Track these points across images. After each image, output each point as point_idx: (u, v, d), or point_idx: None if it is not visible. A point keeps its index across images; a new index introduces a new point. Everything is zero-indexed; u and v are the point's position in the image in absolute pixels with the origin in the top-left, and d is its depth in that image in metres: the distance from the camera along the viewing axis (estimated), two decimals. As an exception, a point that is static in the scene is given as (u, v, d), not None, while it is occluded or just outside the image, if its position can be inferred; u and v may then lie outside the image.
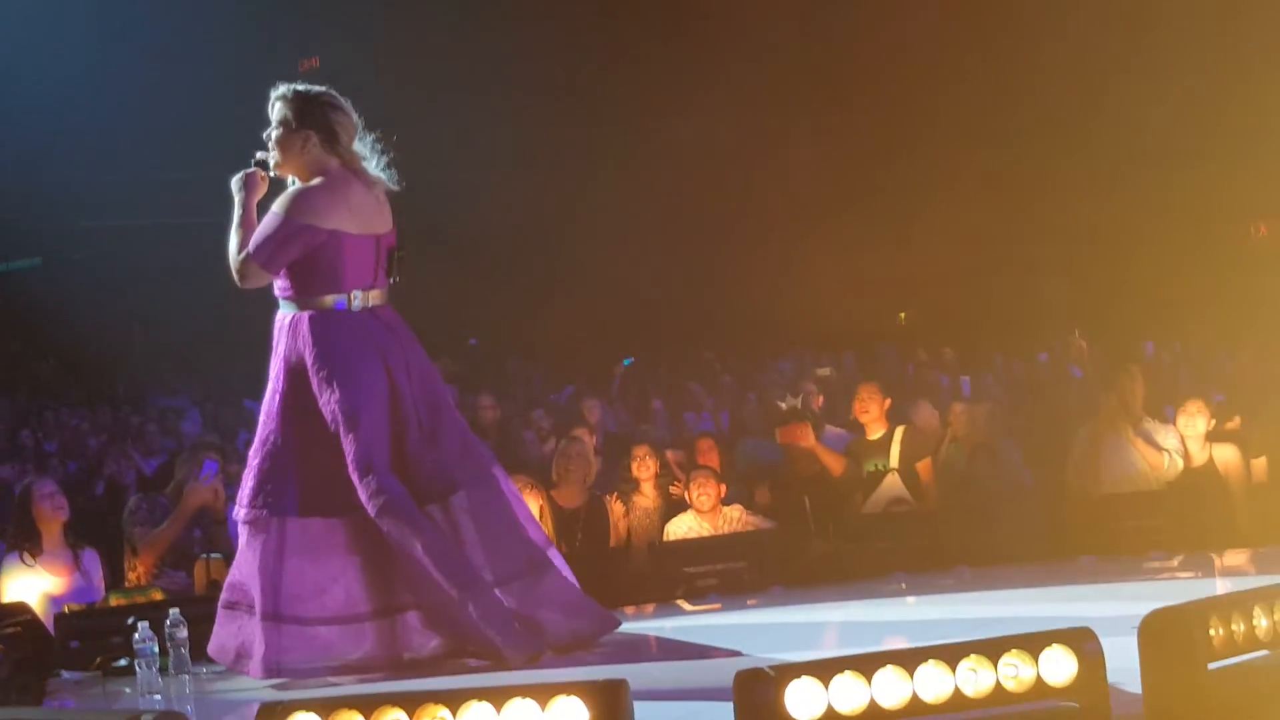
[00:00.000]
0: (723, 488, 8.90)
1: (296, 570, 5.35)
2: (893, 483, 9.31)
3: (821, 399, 11.56)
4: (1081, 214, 20.79)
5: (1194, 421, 9.00)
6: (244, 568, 5.44)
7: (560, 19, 23.24)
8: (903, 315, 23.87)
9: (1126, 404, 9.02)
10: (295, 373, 5.36)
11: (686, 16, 21.98)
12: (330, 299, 5.36)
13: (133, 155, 25.00)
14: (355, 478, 5.24)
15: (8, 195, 22.85)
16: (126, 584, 7.75)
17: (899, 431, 9.48)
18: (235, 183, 5.57)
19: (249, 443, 5.40)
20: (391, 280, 5.49)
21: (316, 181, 5.42)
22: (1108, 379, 9.63)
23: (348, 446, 5.24)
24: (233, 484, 10.35)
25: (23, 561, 7.63)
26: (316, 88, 5.52)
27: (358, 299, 5.39)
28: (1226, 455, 8.93)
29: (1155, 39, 19.51)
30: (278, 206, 5.37)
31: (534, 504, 8.72)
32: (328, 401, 5.29)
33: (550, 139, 23.36)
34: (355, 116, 5.50)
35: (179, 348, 22.36)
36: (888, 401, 9.69)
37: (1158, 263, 19.56)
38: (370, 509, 5.23)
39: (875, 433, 9.55)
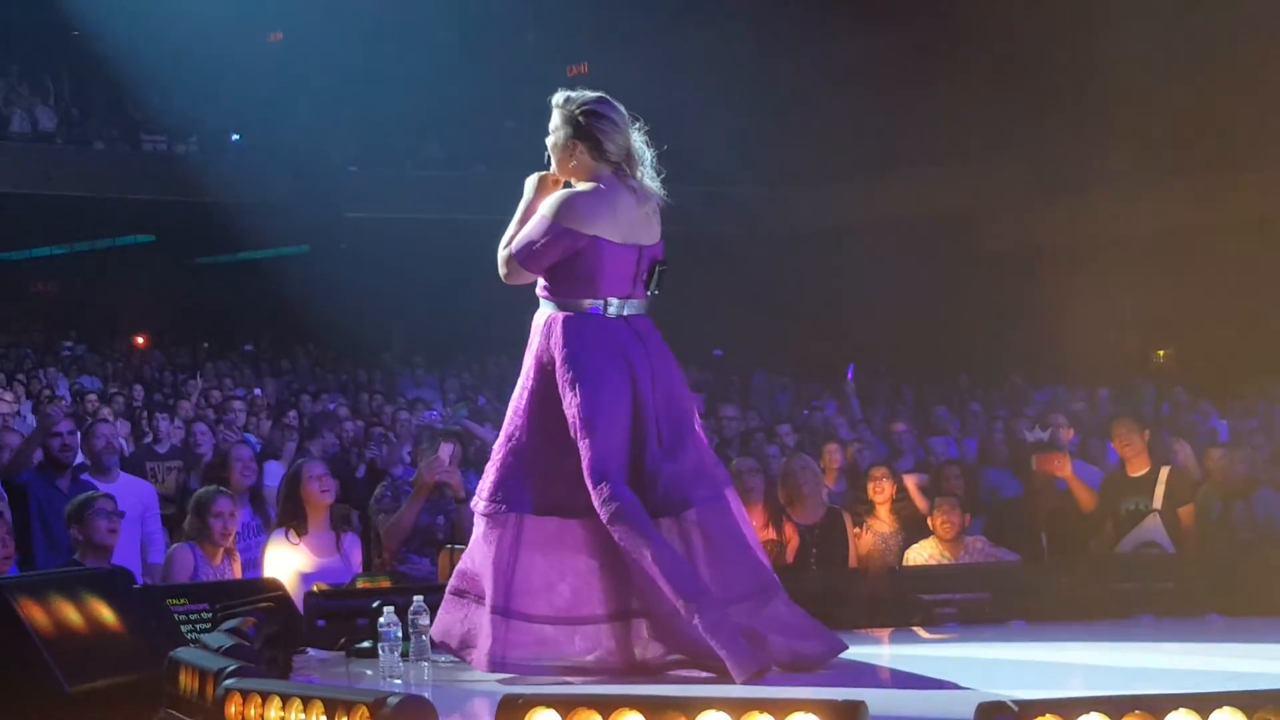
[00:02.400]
0: (967, 517, 8.76)
1: (528, 566, 5.39)
2: (1153, 524, 9.04)
3: (1071, 433, 11.32)
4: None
5: None
6: (476, 558, 5.50)
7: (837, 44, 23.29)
8: (1161, 353, 23.32)
9: None
10: (545, 372, 5.42)
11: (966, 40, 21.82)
12: (586, 303, 5.39)
13: (400, 151, 25.70)
14: (589, 483, 5.26)
15: (280, 184, 23.65)
16: (374, 568, 7.95)
17: (1164, 471, 9.17)
18: (530, 181, 5.69)
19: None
20: (650, 292, 5.52)
21: (585, 187, 5.48)
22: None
23: (583, 451, 5.26)
24: (472, 467, 10.60)
25: (287, 539, 7.88)
26: (587, 94, 5.57)
27: (614, 306, 5.41)
28: None
29: None
30: (544, 208, 5.45)
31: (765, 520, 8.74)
32: (569, 405, 5.32)
33: (816, 156, 23.35)
34: (626, 123, 5.52)
35: (433, 339, 22.84)
36: (1147, 435, 9.42)
37: None
38: (602, 515, 5.25)
39: (1138, 470, 9.26)
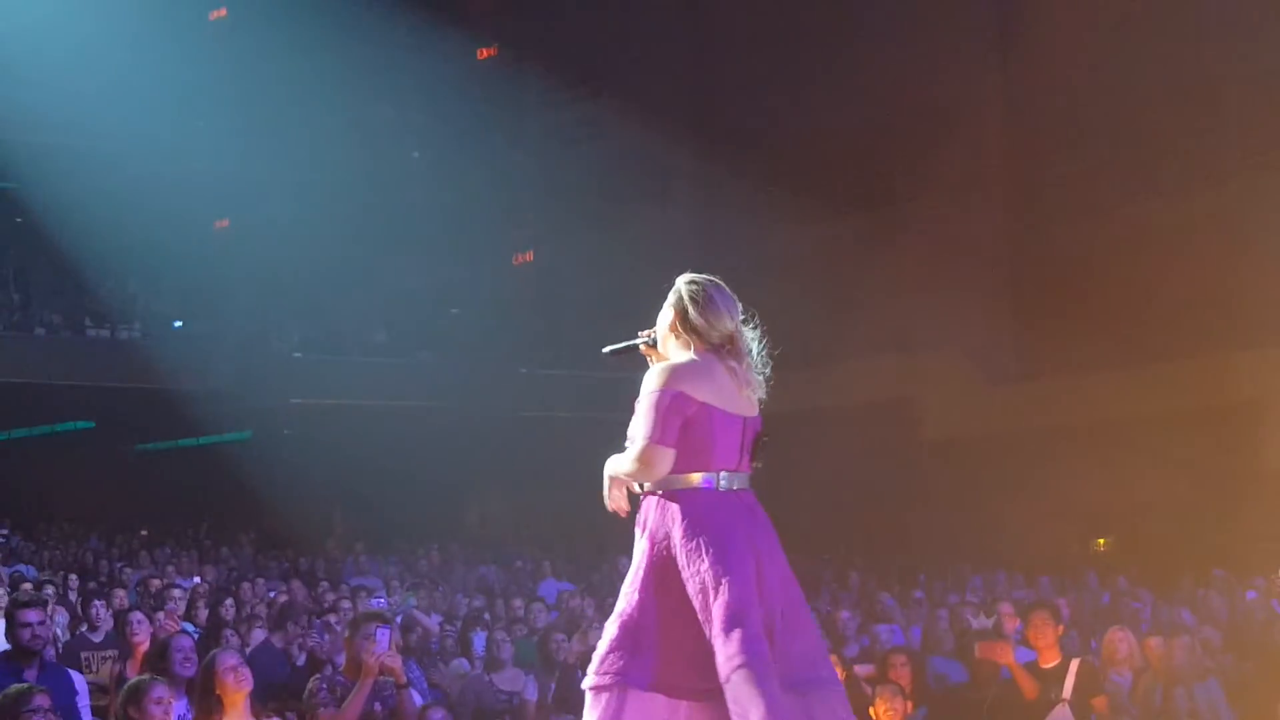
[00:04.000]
0: (909, 704, 8.69)
1: None
2: (1061, 714, 9.03)
3: (1016, 620, 11.31)
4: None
5: None
6: None
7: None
8: (1101, 541, 23.43)
9: None
10: (660, 548, 5.33)
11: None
12: (698, 477, 5.30)
13: (345, 337, 25.79)
14: (720, 637, 5.07)
15: (223, 370, 23.65)
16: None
17: (1074, 664, 9.19)
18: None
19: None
20: (755, 465, 5.44)
21: (683, 357, 5.44)
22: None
23: (718, 609, 5.10)
24: (411, 654, 10.47)
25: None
26: (702, 278, 5.56)
27: (724, 479, 5.32)
28: None
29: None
30: (647, 385, 5.37)
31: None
32: (696, 571, 5.19)
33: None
34: (733, 311, 5.48)
35: (376, 527, 22.71)
36: (1060, 629, 9.47)
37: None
38: (724, 670, 5.04)
39: (1049, 661, 9.30)
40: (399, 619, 11.58)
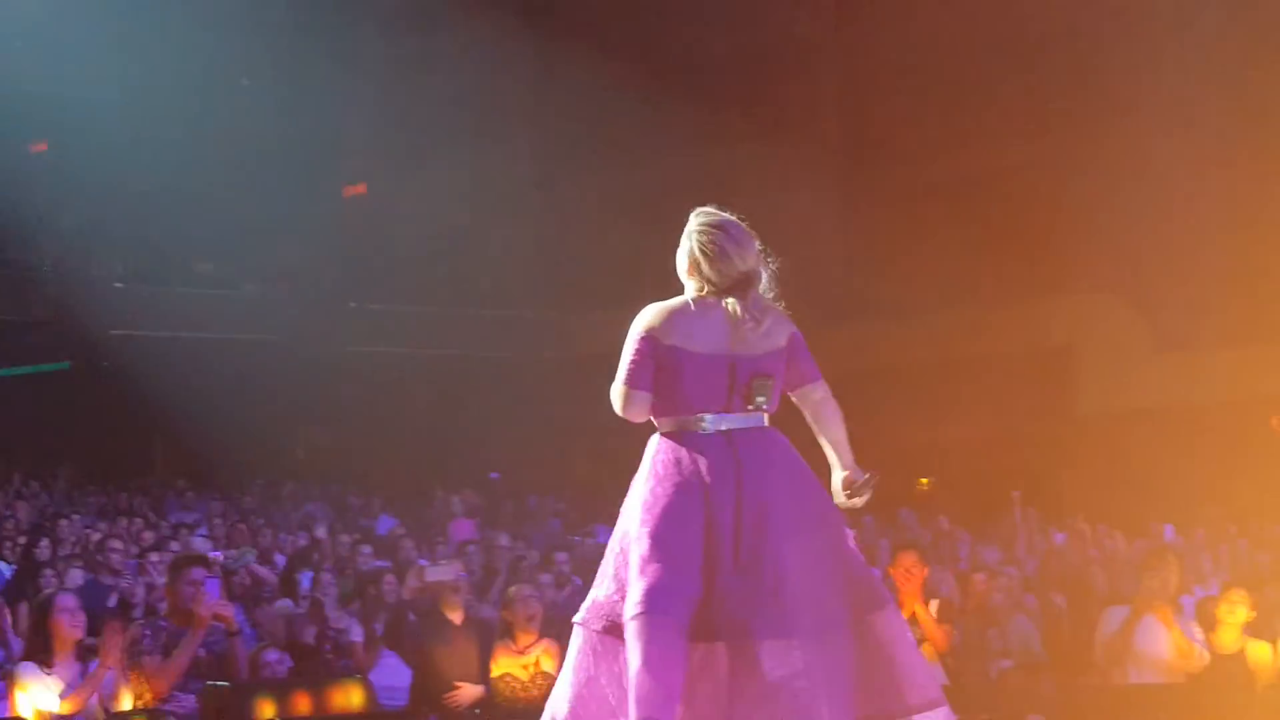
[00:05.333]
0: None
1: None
2: (928, 654, 9.14)
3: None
4: (1107, 400, 21.08)
5: (1235, 610, 8.79)
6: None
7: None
8: (924, 481, 23.86)
9: (1166, 589, 8.74)
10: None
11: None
12: (676, 420, 5.28)
13: (170, 268, 25.30)
14: (631, 584, 5.14)
15: (43, 298, 23.07)
16: (135, 706, 7.67)
17: (934, 605, 9.21)
18: None
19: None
20: (752, 406, 5.29)
21: (673, 300, 5.37)
22: (1143, 561, 9.34)
23: (634, 556, 5.18)
24: (238, 600, 10.36)
25: (40, 671, 7.58)
26: (713, 215, 5.43)
27: (709, 421, 5.26)
28: (1259, 650, 8.75)
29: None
30: (631, 328, 5.36)
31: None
32: (628, 511, 5.28)
33: (598, 281, 23.54)
34: (740, 247, 5.36)
35: (198, 463, 22.40)
36: (925, 571, 9.34)
37: (1176, 448, 19.65)
38: (626, 614, 5.11)
39: (907, 608, 9.24)
40: (242, 572, 11.43)
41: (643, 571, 5.14)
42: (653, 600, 5.08)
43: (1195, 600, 10.29)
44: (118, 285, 24.45)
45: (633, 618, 5.10)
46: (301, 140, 24.77)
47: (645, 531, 5.18)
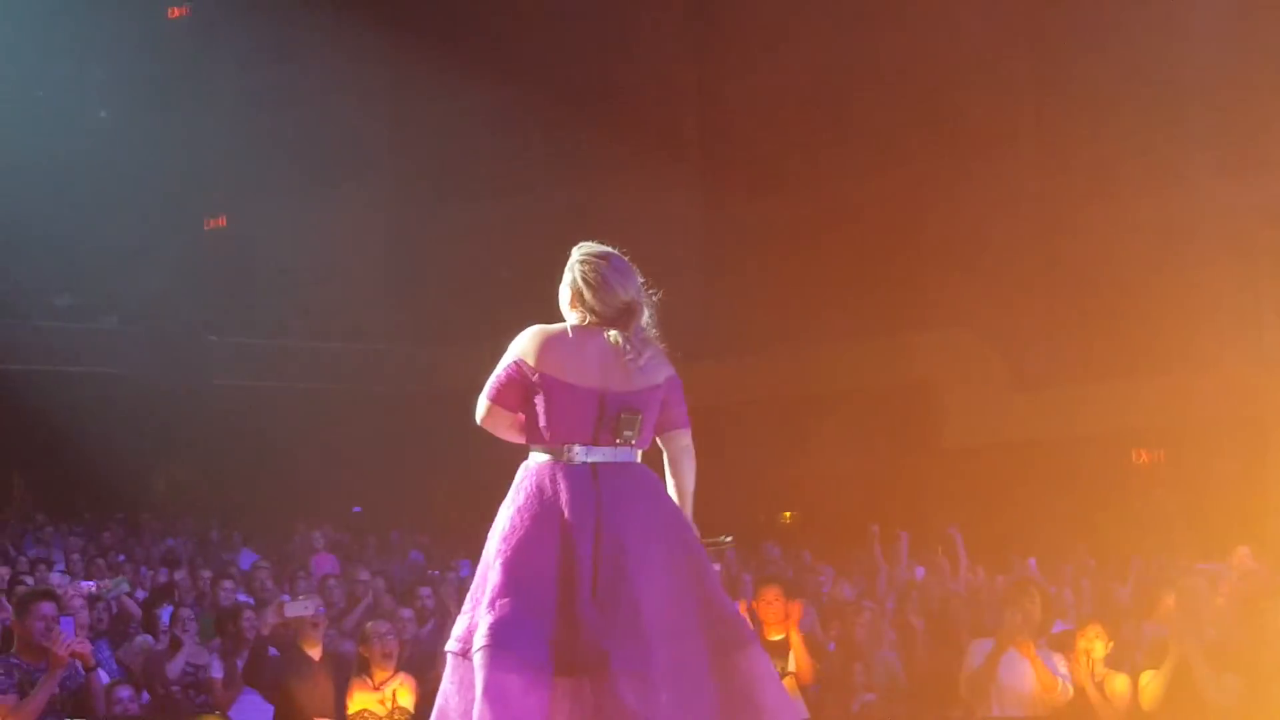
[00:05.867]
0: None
1: None
2: (791, 687, 9.20)
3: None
4: (969, 435, 21.39)
5: (1093, 645, 8.92)
6: None
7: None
8: (787, 515, 24.02)
9: (1029, 621, 8.80)
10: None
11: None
12: (543, 450, 5.28)
13: (27, 300, 24.87)
14: (481, 613, 5.13)
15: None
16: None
17: (796, 637, 9.21)
18: None
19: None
20: (620, 440, 5.26)
21: (552, 327, 5.37)
22: (1006, 595, 9.44)
23: (489, 586, 5.17)
24: (104, 636, 10.18)
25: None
26: (594, 248, 5.49)
27: (577, 453, 5.24)
28: (1118, 684, 8.87)
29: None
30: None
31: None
32: (489, 541, 5.26)
33: (462, 314, 23.44)
34: (622, 282, 5.39)
35: (59, 496, 22.01)
36: (799, 606, 9.43)
37: (1040, 481, 19.98)
38: (475, 644, 5.11)
39: (775, 634, 9.22)
40: (112, 603, 11.23)
41: (492, 604, 5.14)
42: (497, 634, 5.08)
43: (1056, 633, 10.43)
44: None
45: (478, 649, 5.10)
46: (161, 172, 24.51)
47: (499, 562, 5.19)
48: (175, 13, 26.25)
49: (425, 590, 12.08)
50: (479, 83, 24.10)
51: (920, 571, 15.49)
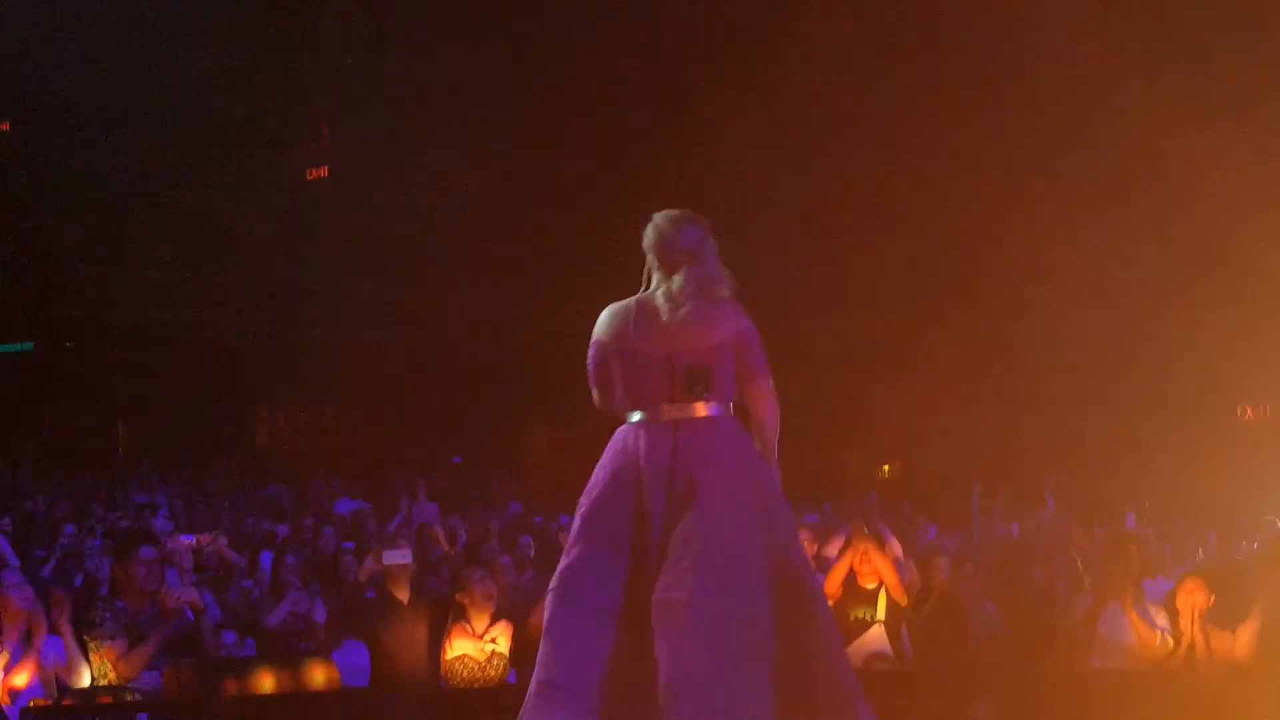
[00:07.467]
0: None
1: None
2: (877, 636, 9.22)
3: (815, 547, 11.44)
4: (1072, 384, 21.14)
5: (1193, 598, 8.84)
6: None
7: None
8: (886, 468, 23.93)
9: (1128, 576, 8.76)
10: None
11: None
12: (624, 414, 5.55)
13: (132, 250, 25.19)
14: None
15: (2, 280, 22.96)
16: (103, 682, 7.59)
17: (892, 578, 9.31)
18: None
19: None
20: (692, 396, 5.43)
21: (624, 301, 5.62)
22: (1106, 549, 9.38)
23: (570, 535, 5.52)
24: (206, 585, 10.31)
25: (-13, 647, 7.50)
26: (660, 219, 5.58)
27: (647, 414, 5.48)
28: (1219, 638, 8.77)
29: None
30: None
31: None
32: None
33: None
34: (672, 236, 5.53)
35: (159, 444, 22.31)
36: (885, 555, 9.54)
37: (1141, 438, 19.76)
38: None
39: (869, 582, 9.40)
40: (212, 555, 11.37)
41: (568, 550, 5.48)
42: (566, 578, 5.42)
43: (1159, 588, 10.31)
44: (79, 266, 24.38)
45: (550, 590, 5.45)
46: (263, 122, 24.66)
47: (580, 514, 5.52)
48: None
49: (525, 539, 12.15)
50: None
51: (1015, 527, 15.39)
